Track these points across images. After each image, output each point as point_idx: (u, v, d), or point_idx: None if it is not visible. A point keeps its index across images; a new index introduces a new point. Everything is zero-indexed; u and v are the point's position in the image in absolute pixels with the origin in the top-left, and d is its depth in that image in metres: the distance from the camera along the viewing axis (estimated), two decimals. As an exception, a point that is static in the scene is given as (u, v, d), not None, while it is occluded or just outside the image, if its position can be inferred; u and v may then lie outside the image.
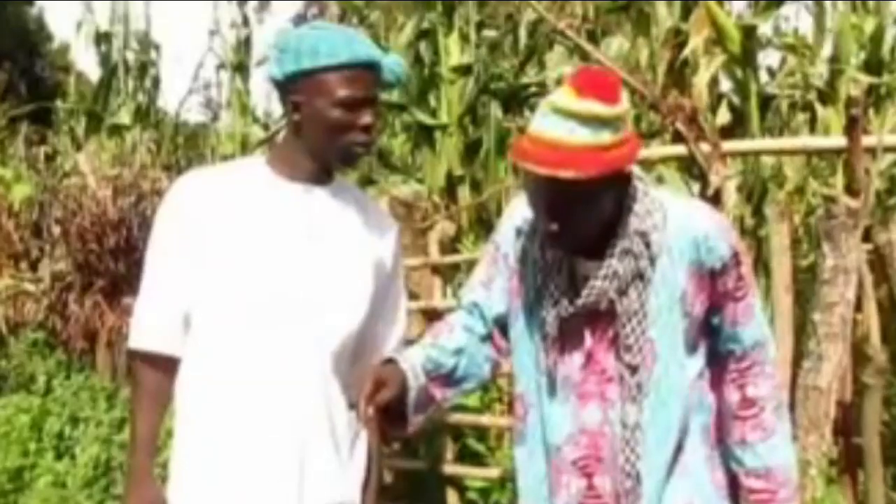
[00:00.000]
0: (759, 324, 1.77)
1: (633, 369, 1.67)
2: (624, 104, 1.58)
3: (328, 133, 1.85)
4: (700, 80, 5.21)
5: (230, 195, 1.90)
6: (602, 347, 1.71)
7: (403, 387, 1.74)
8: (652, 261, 1.66)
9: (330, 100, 1.83)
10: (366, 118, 1.85)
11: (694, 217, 1.72)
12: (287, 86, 1.87)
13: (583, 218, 1.61)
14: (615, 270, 1.65)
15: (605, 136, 1.54)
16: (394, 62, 1.91)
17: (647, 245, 1.66)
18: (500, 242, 1.86)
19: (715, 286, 1.71)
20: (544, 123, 1.57)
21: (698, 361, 1.75)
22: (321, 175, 1.93)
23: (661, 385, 1.69)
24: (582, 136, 1.53)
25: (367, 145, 1.90)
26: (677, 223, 1.68)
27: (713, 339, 1.77)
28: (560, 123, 1.54)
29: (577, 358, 1.71)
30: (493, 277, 1.86)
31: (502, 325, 1.86)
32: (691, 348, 1.73)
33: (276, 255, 1.86)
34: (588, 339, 1.70)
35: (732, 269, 1.71)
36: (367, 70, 1.85)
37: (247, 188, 1.91)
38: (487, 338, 1.88)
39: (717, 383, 1.79)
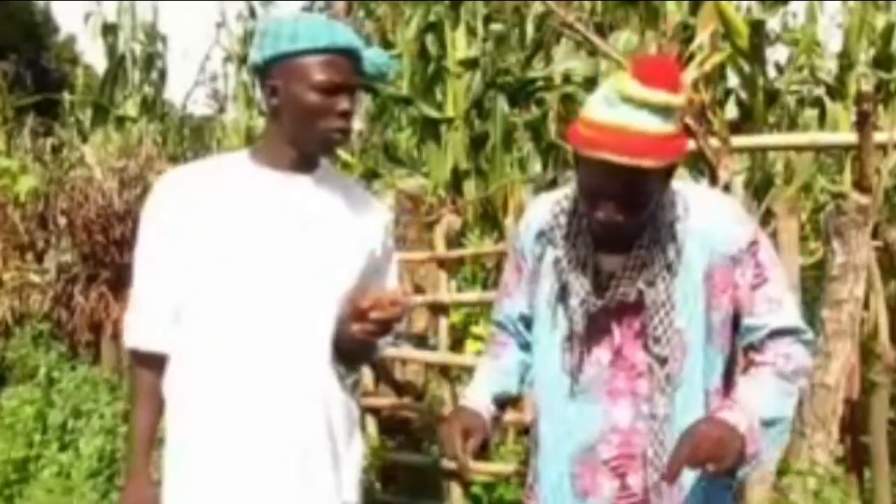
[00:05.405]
0: (785, 315, 1.70)
1: (662, 361, 1.65)
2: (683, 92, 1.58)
3: (305, 118, 1.83)
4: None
5: (211, 189, 1.88)
6: (630, 342, 1.69)
7: (485, 428, 1.80)
8: (678, 252, 1.65)
9: (307, 84, 1.81)
10: (343, 104, 1.83)
11: (711, 205, 1.71)
12: (266, 70, 1.85)
13: (642, 207, 1.60)
14: (644, 262, 1.64)
15: (671, 126, 1.55)
16: (375, 54, 1.90)
17: (674, 236, 1.65)
18: (518, 247, 1.86)
19: (734, 276, 1.67)
20: (615, 112, 1.54)
21: (720, 366, 1.71)
22: (303, 163, 1.91)
23: (693, 378, 1.66)
24: (656, 125, 1.52)
25: (345, 132, 1.87)
26: (698, 212, 1.68)
27: (735, 338, 1.72)
28: (633, 113, 1.52)
29: (604, 355, 1.70)
30: (517, 282, 1.86)
31: (527, 323, 1.87)
32: (717, 348, 1.70)
33: (258, 245, 1.84)
34: (616, 335, 1.68)
35: (750, 257, 1.68)
36: (346, 57, 1.84)
37: (228, 181, 1.89)
38: (527, 345, 1.89)
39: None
